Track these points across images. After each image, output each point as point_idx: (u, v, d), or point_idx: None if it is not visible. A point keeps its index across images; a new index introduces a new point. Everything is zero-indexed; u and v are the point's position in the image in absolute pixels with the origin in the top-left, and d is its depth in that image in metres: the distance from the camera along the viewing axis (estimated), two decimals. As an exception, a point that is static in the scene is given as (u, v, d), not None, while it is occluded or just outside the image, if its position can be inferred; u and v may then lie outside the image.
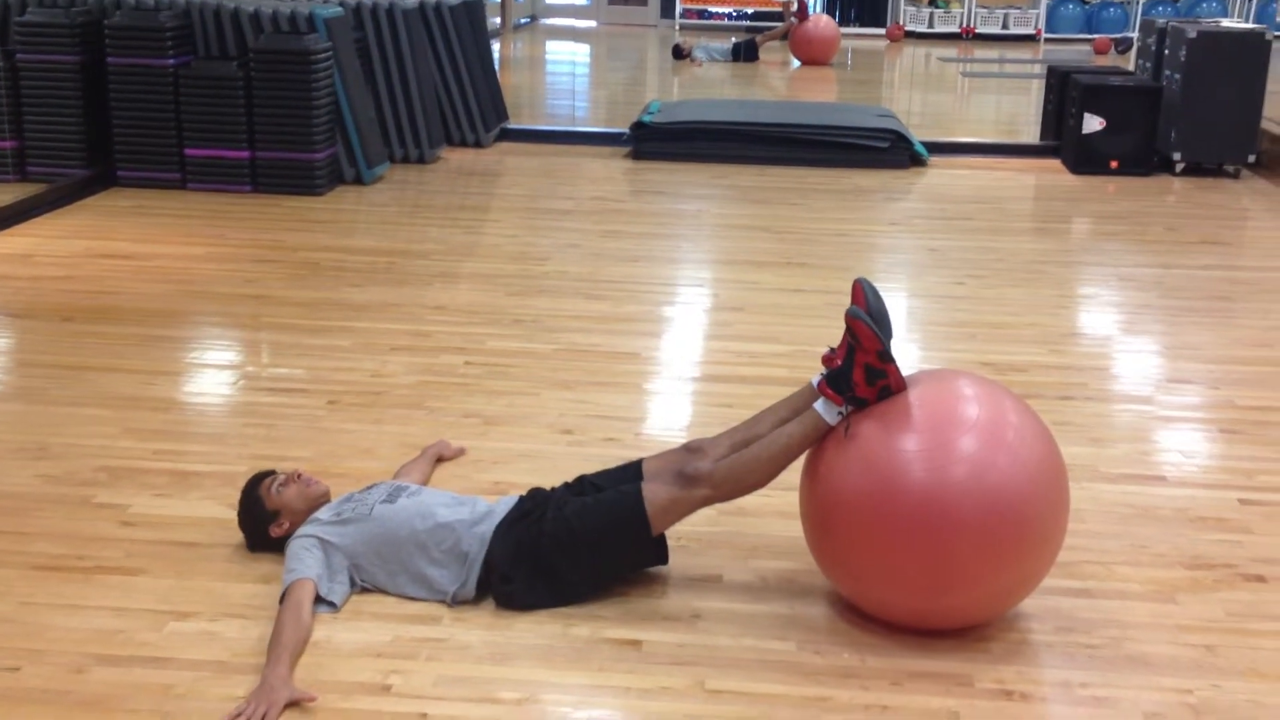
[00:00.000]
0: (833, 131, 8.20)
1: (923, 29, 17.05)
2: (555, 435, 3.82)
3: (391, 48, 7.63)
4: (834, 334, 2.90)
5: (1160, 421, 4.08)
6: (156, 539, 3.13)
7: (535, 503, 2.95)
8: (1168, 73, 8.03)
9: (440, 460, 3.57)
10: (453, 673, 2.61)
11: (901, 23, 17.07)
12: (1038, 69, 13.50)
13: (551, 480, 3.10)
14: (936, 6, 17.05)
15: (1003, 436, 2.64)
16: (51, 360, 4.40)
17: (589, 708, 2.53)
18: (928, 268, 5.90)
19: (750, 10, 17.56)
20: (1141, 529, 3.30)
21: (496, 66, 9.43)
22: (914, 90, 12.94)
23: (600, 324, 4.89)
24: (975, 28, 16.97)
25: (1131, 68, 9.35)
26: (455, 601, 2.84)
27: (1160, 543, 3.23)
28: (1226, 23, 8.96)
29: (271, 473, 3.09)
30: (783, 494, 2.97)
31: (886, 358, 2.68)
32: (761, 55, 13.96)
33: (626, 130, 8.41)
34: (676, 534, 2.99)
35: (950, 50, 15.82)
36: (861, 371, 2.69)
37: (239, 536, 3.09)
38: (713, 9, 17.84)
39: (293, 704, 2.47)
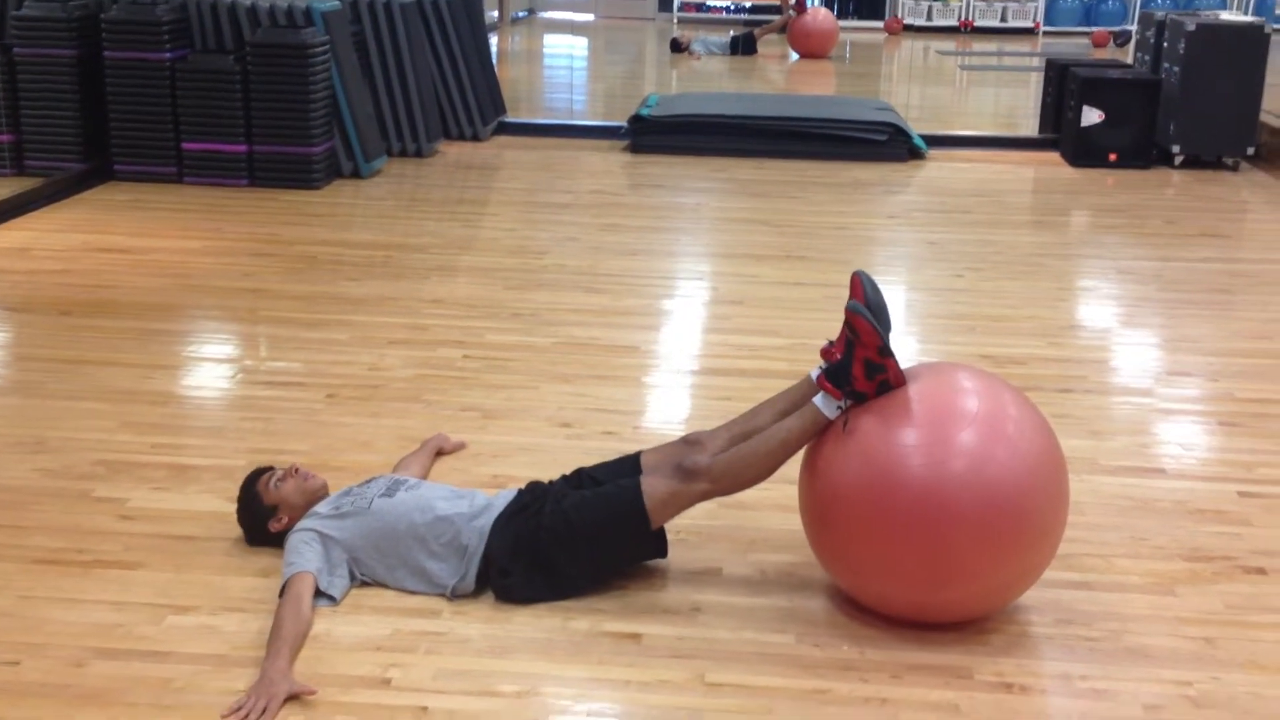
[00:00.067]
0: (831, 125, 8.19)
1: (921, 22, 17.04)
2: (554, 428, 3.81)
3: (389, 41, 7.62)
4: (833, 327, 2.90)
5: (1160, 414, 4.08)
6: (155, 533, 3.13)
7: (534, 496, 2.95)
8: (1166, 65, 8.03)
9: (440, 454, 3.57)
10: (452, 666, 2.61)
11: (900, 16, 17.07)
12: (1036, 62, 13.49)
13: (550, 473, 3.10)
14: (935, -1, 17.05)
15: (1002, 430, 2.64)
16: (49, 354, 4.39)
17: (589, 700, 2.53)
18: (926, 261, 5.90)
19: (748, 3, 17.55)
20: (1141, 521, 3.30)
21: (494, 60, 9.41)
22: (912, 83, 12.93)
23: (599, 317, 4.88)
24: (974, 21, 16.97)
25: (1130, 60, 9.35)
26: (454, 595, 2.84)
27: (1160, 535, 3.23)
28: (1225, 15, 8.95)
29: (269, 468, 3.09)
30: (782, 487, 2.97)
31: (886, 353, 2.67)
32: (760, 48, 13.95)
33: (625, 124, 8.40)
34: (676, 527, 2.99)
35: (949, 43, 15.81)
36: (861, 366, 2.68)
37: (238, 530, 3.08)
38: (711, 2, 17.83)
39: (292, 697, 2.47)
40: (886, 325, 2.75)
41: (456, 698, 2.51)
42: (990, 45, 15.87)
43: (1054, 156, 8.30)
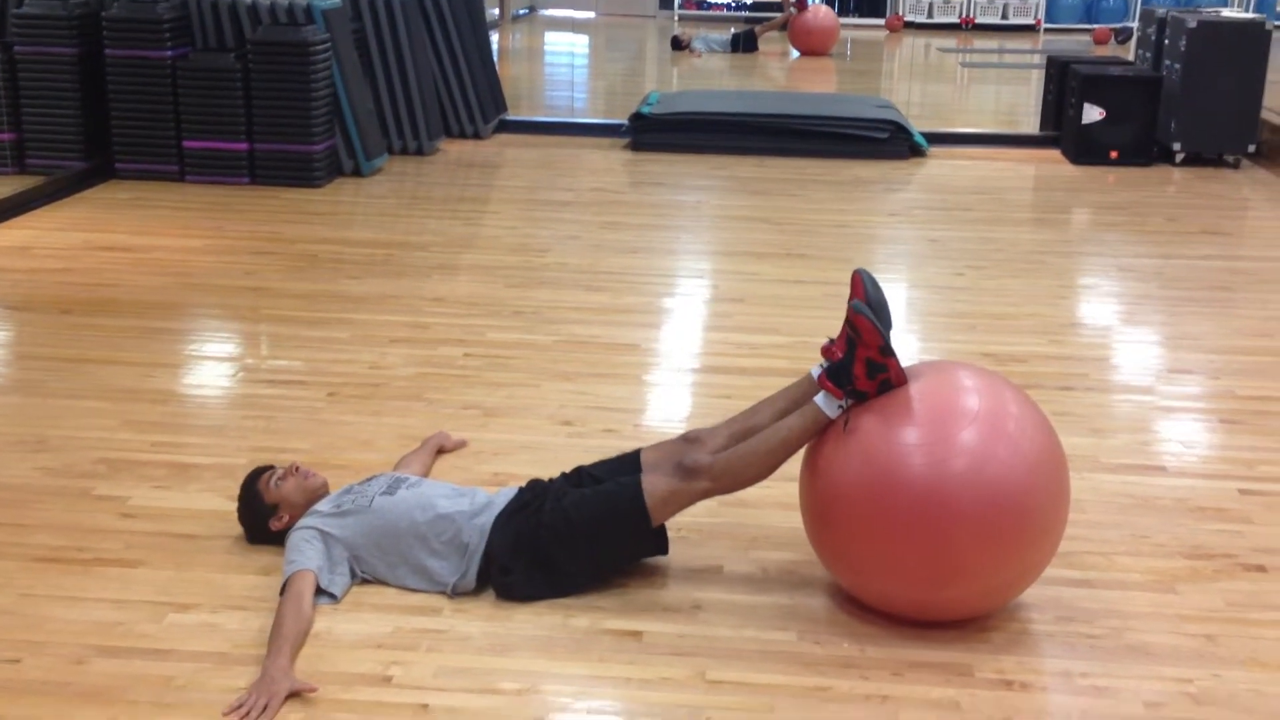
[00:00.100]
0: (832, 122, 8.19)
1: (922, 19, 17.03)
2: (555, 427, 3.81)
3: (390, 39, 7.62)
4: (834, 325, 2.90)
5: (1161, 412, 4.08)
6: (156, 531, 3.13)
7: (534, 494, 2.95)
8: (1167, 63, 8.02)
9: (441, 452, 3.57)
10: (453, 664, 2.61)
11: (901, 13, 17.05)
12: (1037, 59, 13.49)
13: (551, 471, 3.10)
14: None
15: (1003, 428, 2.64)
16: (50, 353, 4.39)
17: (589, 698, 2.53)
18: (927, 258, 5.90)
19: (749, 1, 17.53)
20: (1142, 519, 3.30)
21: (495, 58, 9.41)
22: (913, 81, 12.93)
23: (600, 315, 4.88)
24: (975, 18, 16.95)
25: (1131, 58, 9.35)
26: (455, 593, 2.84)
27: (1160, 533, 3.23)
28: (1226, 12, 8.95)
29: (270, 467, 3.09)
30: (783, 485, 2.97)
31: (887, 352, 2.67)
32: (760, 46, 13.95)
33: (625, 121, 8.39)
34: (677, 525, 2.99)
35: (950, 40, 15.80)
36: (862, 366, 2.68)
37: (238, 528, 3.09)
38: (711, 0, 17.82)
39: (294, 695, 2.47)
40: (888, 323, 2.75)
41: (457, 695, 2.51)
42: (991, 42, 15.86)
43: (1055, 154, 8.29)
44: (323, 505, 2.97)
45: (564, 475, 3.05)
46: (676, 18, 17.43)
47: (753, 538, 3.14)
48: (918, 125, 8.46)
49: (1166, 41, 8.10)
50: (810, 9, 13.80)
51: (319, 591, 2.78)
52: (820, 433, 2.77)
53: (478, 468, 3.50)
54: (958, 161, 8.11)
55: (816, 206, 6.82)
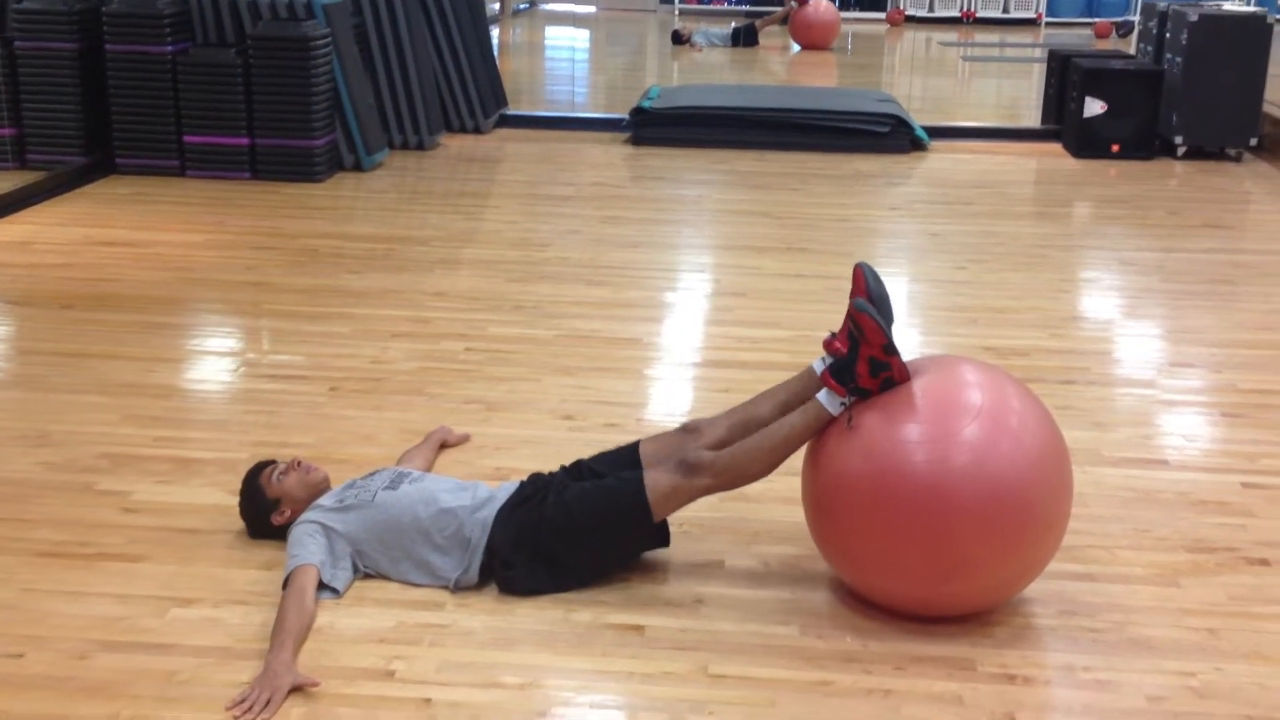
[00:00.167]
0: (833, 116, 8.18)
1: (923, 13, 17.01)
2: (557, 421, 3.81)
3: (390, 34, 7.61)
4: (835, 319, 2.90)
5: (1162, 405, 4.07)
6: (158, 525, 3.13)
7: (536, 488, 2.94)
8: (1169, 56, 8.01)
9: (444, 446, 3.57)
10: (456, 658, 2.61)
11: (902, 7, 17.03)
12: (1038, 53, 13.47)
13: (553, 466, 3.10)
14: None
15: (1006, 423, 2.63)
16: (51, 348, 4.39)
17: (592, 692, 2.53)
18: (929, 252, 5.90)
19: (749, -5, 17.51)
20: (1144, 513, 3.30)
21: (495, 52, 9.40)
22: (914, 75, 12.91)
23: (601, 309, 4.88)
24: (976, 12, 16.93)
25: (1133, 51, 9.33)
26: (457, 587, 2.84)
27: (1163, 526, 3.23)
28: (1228, 6, 8.93)
29: (271, 462, 3.09)
30: (785, 479, 2.97)
31: (891, 350, 2.67)
32: (761, 40, 13.93)
33: (626, 116, 8.39)
34: (678, 519, 2.99)
35: (951, 34, 15.78)
36: (865, 364, 2.68)
37: (241, 523, 3.09)
38: (712, -6, 17.80)
39: (296, 689, 2.47)
40: (889, 317, 2.75)
41: (460, 690, 2.51)
42: (992, 36, 15.84)
43: (1056, 148, 8.29)
44: (325, 500, 2.97)
45: (564, 469, 3.05)
46: (677, 12, 17.41)
47: (755, 532, 3.14)
48: (919, 119, 8.45)
49: (1168, 35, 8.09)
50: (811, 3, 13.78)
51: (321, 586, 2.78)
52: (822, 429, 2.77)
53: (479, 462, 3.50)
54: (959, 155, 8.11)
55: (817, 201, 6.82)
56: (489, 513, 2.87)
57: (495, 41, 10.86)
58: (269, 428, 3.74)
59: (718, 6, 17.63)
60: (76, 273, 5.23)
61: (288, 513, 2.99)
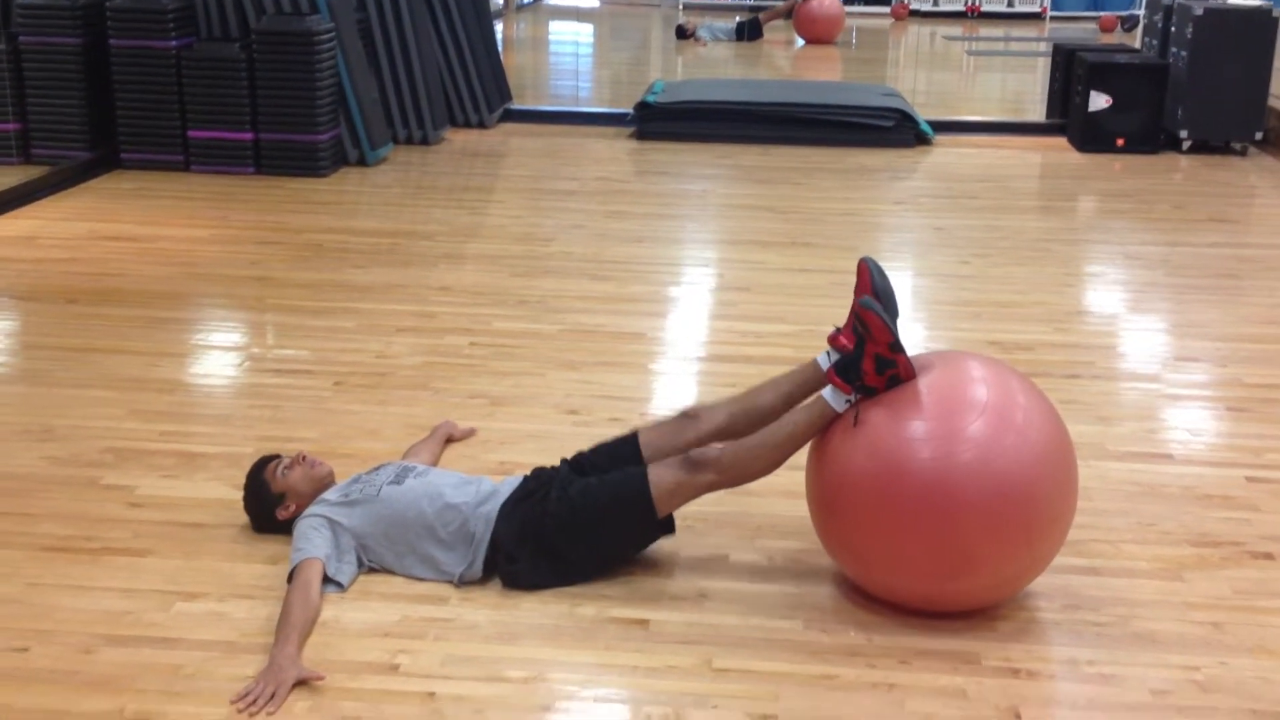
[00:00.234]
0: (837, 111, 8.17)
1: (927, 7, 16.97)
2: (561, 416, 3.81)
3: (394, 28, 7.61)
4: (839, 313, 2.90)
5: (1167, 399, 4.07)
6: (163, 520, 3.14)
7: (539, 482, 2.94)
8: (1174, 50, 8.00)
9: (450, 441, 3.57)
10: (460, 652, 2.61)
11: (906, 1, 17.00)
12: (1043, 47, 13.44)
13: (557, 461, 3.10)
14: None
15: (1011, 419, 2.63)
16: (56, 342, 4.40)
17: (596, 686, 2.53)
18: (933, 247, 5.89)
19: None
20: (1149, 507, 3.30)
21: (500, 47, 9.40)
22: (919, 69, 12.90)
23: (605, 304, 4.88)
24: (980, 6, 16.90)
25: (1138, 45, 9.32)
26: (462, 582, 2.84)
27: (1168, 521, 3.22)
28: (1233, 0, 8.91)
29: (276, 456, 3.10)
30: (789, 474, 2.96)
31: (897, 348, 2.67)
32: (766, 34, 13.91)
33: (630, 110, 8.38)
34: (683, 514, 2.98)
35: (955, 28, 15.76)
36: (871, 361, 2.68)
37: (245, 517, 3.09)
38: (716, -12, 17.77)
39: (301, 683, 2.47)
40: (894, 312, 2.75)
41: (464, 683, 2.52)
42: (997, 30, 15.81)
43: (1061, 142, 8.27)
44: (330, 494, 2.97)
45: (566, 462, 3.05)
46: (681, 6, 17.38)
47: (759, 526, 3.14)
48: (923, 113, 8.43)
49: (1173, 29, 8.07)
50: (815, -3, 13.75)
51: (326, 580, 2.78)
52: (827, 427, 2.77)
53: (484, 456, 3.51)
54: (963, 149, 8.09)
55: (822, 195, 6.81)
56: (493, 507, 2.88)
57: (499, 36, 10.86)
58: (274, 422, 3.74)
59: (722, 1, 17.60)
60: (81, 268, 5.23)
61: (292, 507, 3.00)
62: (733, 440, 2.94)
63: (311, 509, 2.94)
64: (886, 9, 17.03)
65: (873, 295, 2.75)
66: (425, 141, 7.78)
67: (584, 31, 15.86)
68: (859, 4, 17.04)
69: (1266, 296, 5.17)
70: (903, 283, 5.22)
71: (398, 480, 2.95)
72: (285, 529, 2.98)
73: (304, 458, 3.06)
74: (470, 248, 5.69)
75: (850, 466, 2.68)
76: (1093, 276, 5.53)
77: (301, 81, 6.68)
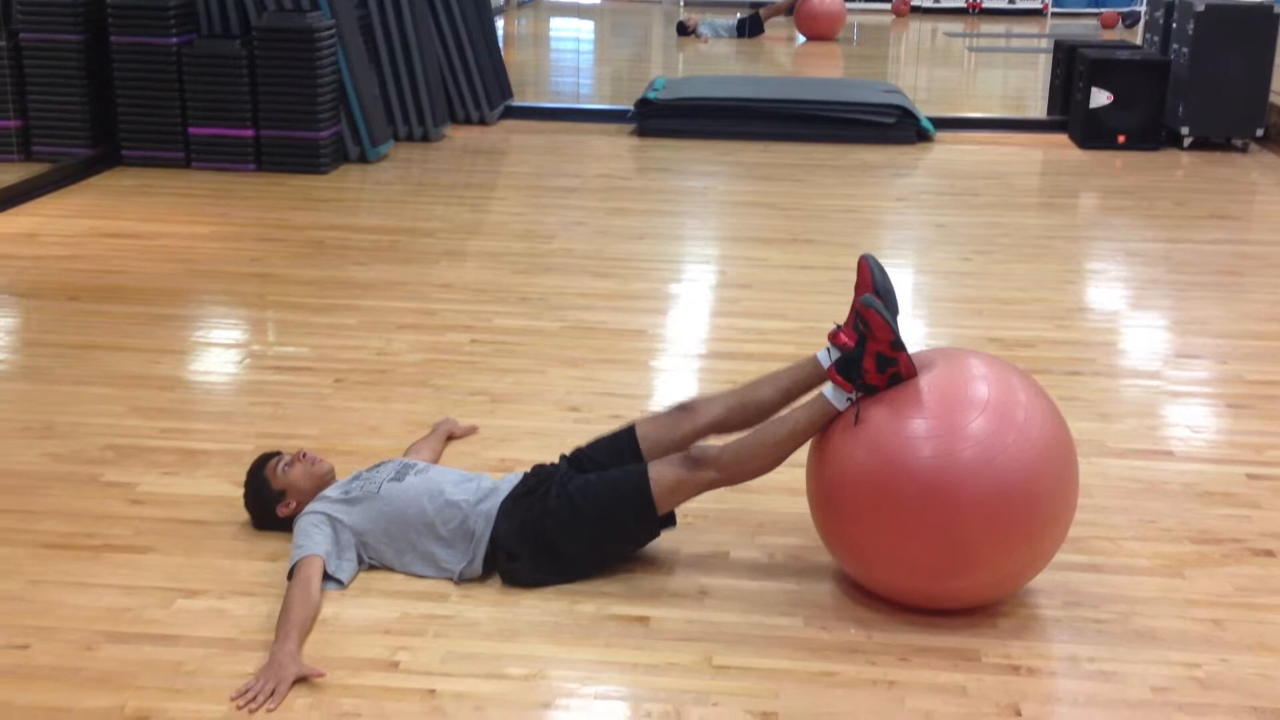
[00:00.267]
0: (839, 107, 8.16)
1: (929, 4, 16.96)
2: (562, 413, 3.81)
3: (395, 25, 7.60)
4: (840, 310, 2.90)
5: (1168, 396, 4.07)
6: (164, 517, 3.14)
7: (539, 479, 2.94)
8: (1175, 46, 7.99)
9: (451, 438, 3.57)
10: (460, 649, 2.62)
11: (907, -2, 16.98)
12: (1045, 43, 13.44)
13: (557, 457, 3.10)
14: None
15: (1012, 417, 2.62)
16: (57, 339, 4.40)
17: (596, 683, 2.53)
18: (935, 243, 5.89)
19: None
20: (1149, 504, 3.30)
21: (500, 43, 9.39)
22: (920, 65, 12.89)
23: (607, 301, 4.88)
24: (981, 2, 16.88)
25: (1139, 42, 9.31)
26: (462, 579, 2.84)
27: (1168, 518, 3.22)
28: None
29: (276, 453, 3.10)
30: (790, 470, 2.96)
31: (898, 346, 2.67)
32: (767, 30, 13.90)
33: (631, 107, 8.38)
34: (683, 511, 2.98)
35: (956, 25, 15.74)
36: (872, 360, 2.68)
37: (246, 514, 3.09)
38: (717, -15, 17.75)
39: (301, 680, 2.48)
40: (894, 309, 2.75)
41: (465, 680, 2.52)
42: (998, 27, 15.80)
43: (1062, 138, 8.27)
44: (331, 491, 2.97)
45: (565, 458, 3.05)
46: (682, 3, 17.37)
47: (759, 523, 3.14)
48: (925, 110, 8.43)
49: (1174, 25, 8.06)
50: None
51: (326, 577, 2.78)
52: (828, 425, 2.77)
53: (485, 453, 3.51)
54: (965, 146, 8.09)
55: (823, 191, 6.81)
56: (492, 504, 2.88)
57: (500, 33, 10.85)
58: (274, 419, 3.74)
59: (723, -3, 17.58)
60: (82, 265, 5.23)
61: (293, 504, 3.00)
62: (729, 433, 2.95)
63: (312, 506, 2.94)
64: (887, 5, 17.01)
65: (873, 293, 2.75)
66: (426, 138, 7.78)
67: (585, 28, 15.86)
68: (860, 0, 17.03)
69: (1267, 293, 5.17)
70: (904, 280, 5.22)
71: (398, 477, 2.95)
72: (286, 526, 2.98)
73: (304, 455, 3.06)
74: (471, 245, 5.69)
75: (851, 464, 2.67)
76: (1094, 273, 5.53)
77: (302, 78, 6.68)
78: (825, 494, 2.76)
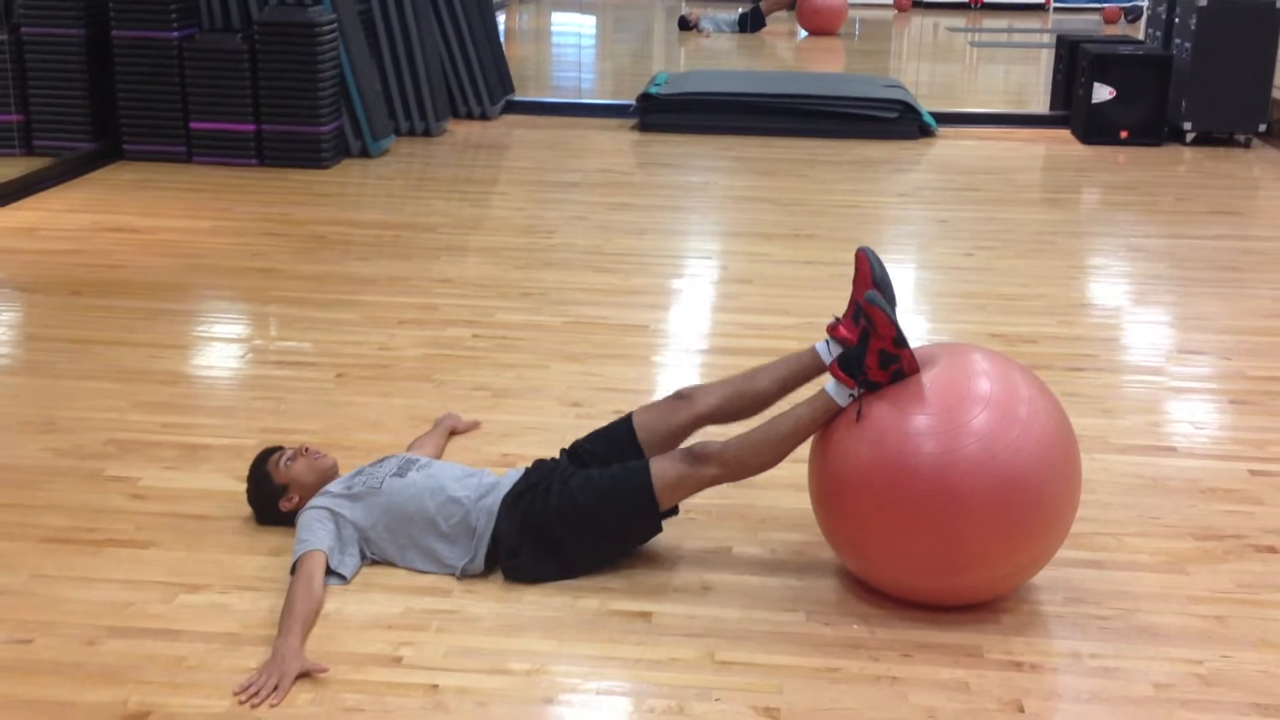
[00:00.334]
0: (840, 102, 8.16)
1: (930, -1, 16.94)
2: (564, 408, 3.81)
3: (397, 20, 7.60)
4: (842, 306, 2.89)
5: (1171, 392, 4.06)
6: (166, 512, 3.14)
7: (540, 475, 2.94)
8: (1178, 41, 7.98)
9: (453, 434, 3.57)
10: (463, 644, 2.62)
11: (909, -8, 16.95)
12: (1047, 38, 13.42)
13: (558, 453, 3.10)
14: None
15: (1015, 413, 2.62)
16: (59, 334, 4.40)
17: (599, 679, 2.53)
18: (937, 239, 5.88)
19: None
20: (1152, 500, 3.30)
21: (502, 38, 9.38)
22: (922, 60, 12.88)
23: (608, 296, 4.88)
24: (983, -3, 16.86)
25: (1141, 37, 9.29)
26: (464, 575, 2.84)
27: (1170, 514, 3.22)
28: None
29: (279, 448, 3.10)
30: (792, 466, 2.96)
31: (901, 343, 2.66)
32: (769, 25, 13.88)
33: (633, 102, 8.37)
34: (686, 506, 2.98)
35: (958, 20, 15.73)
36: (875, 356, 2.68)
37: (248, 509, 3.09)
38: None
39: (304, 675, 2.48)
40: (892, 300, 2.76)
41: (467, 676, 2.52)
42: (1000, 22, 15.78)
43: (1065, 134, 8.26)
44: (334, 486, 2.97)
45: (565, 453, 3.05)
46: (684, -3, 17.35)
47: (762, 519, 3.14)
48: (927, 105, 8.42)
49: (1177, 20, 8.05)
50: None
51: (329, 572, 2.78)
52: (830, 421, 2.77)
53: (486, 449, 3.51)
54: (967, 141, 8.08)
55: (825, 187, 6.81)
56: (494, 500, 2.87)
57: (501, 27, 10.84)
58: (277, 414, 3.74)
59: (725, -8, 17.56)
60: (84, 259, 5.23)
61: (295, 499, 3.00)
62: (726, 422, 2.96)
63: (315, 501, 2.94)
64: (889, 0, 16.99)
65: (872, 286, 2.75)
66: (427, 133, 7.77)
67: (586, 23, 15.83)
68: (862, -5, 16.99)
69: (1270, 289, 5.16)
70: (906, 275, 5.22)
71: (400, 473, 2.95)
72: (288, 521, 2.98)
73: (307, 450, 3.06)
74: (473, 240, 5.68)
75: (854, 461, 2.67)
76: (1096, 269, 5.52)
77: (304, 73, 6.67)
78: (828, 490, 2.76)
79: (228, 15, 6.81)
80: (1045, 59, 11.33)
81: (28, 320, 4.65)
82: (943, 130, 8.23)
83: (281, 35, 6.66)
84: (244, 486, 3.10)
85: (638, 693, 2.49)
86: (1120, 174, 7.28)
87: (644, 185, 6.92)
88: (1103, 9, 15.82)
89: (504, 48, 9.11)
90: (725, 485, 2.94)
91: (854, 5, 15.33)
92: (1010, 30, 15.19)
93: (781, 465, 2.87)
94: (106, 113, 6.86)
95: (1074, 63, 8.30)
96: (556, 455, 3.08)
